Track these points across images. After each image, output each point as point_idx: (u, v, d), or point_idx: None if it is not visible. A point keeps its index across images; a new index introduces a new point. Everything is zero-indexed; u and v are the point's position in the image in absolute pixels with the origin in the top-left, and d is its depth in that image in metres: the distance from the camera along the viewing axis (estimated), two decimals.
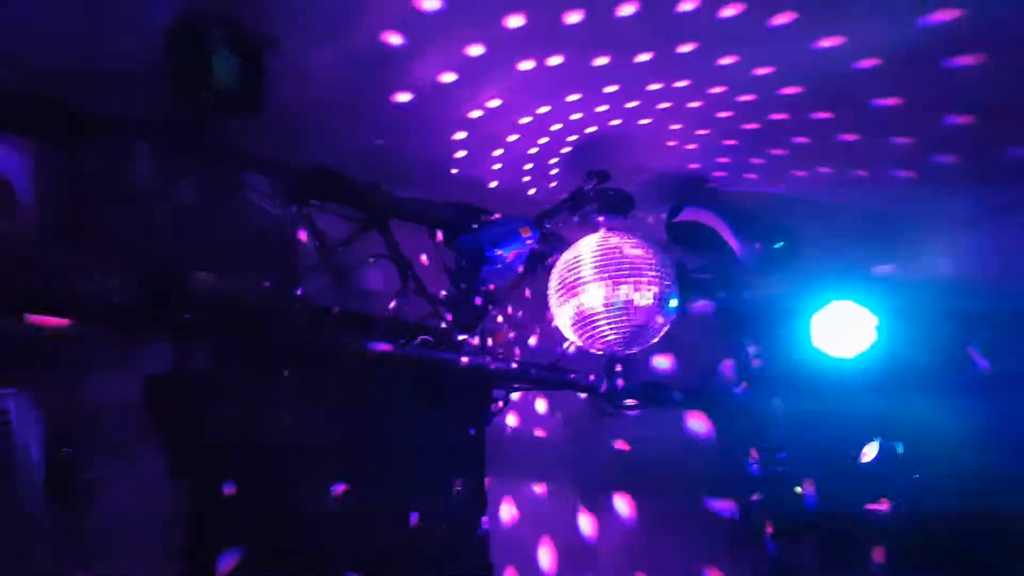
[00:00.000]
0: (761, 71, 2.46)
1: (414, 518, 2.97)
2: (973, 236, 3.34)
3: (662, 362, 3.65)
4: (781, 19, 2.22)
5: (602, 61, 2.42)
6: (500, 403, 3.18)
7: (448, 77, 2.46)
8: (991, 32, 2.25)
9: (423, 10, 2.14)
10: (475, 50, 2.35)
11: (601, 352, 2.88)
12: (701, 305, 3.73)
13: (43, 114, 2.00)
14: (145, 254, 1.88)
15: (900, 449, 3.12)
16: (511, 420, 3.48)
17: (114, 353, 2.13)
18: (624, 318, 2.74)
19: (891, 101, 2.59)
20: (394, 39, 2.27)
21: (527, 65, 2.42)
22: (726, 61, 2.41)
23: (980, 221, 3.33)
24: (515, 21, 2.22)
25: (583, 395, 3.41)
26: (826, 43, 2.31)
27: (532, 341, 3.43)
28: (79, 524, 1.99)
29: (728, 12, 2.18)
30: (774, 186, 3.24)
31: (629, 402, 3.33)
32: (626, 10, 2.18)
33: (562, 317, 2.86)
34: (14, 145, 1.87)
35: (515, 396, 3.37)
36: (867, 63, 2.39)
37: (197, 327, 2.17)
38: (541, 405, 3.57)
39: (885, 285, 3.48)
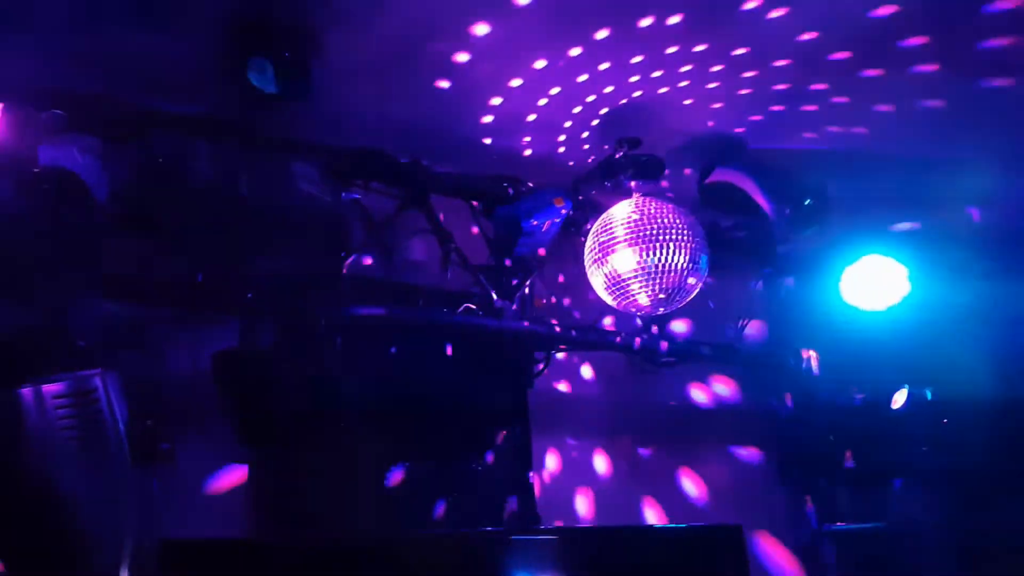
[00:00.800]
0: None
1: (464, 474, 3.17)
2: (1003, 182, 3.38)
3: (693, 321, 3.74)
4: None
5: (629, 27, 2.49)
6: (541, 364, 3.31)
7: (482, 56, 2.56)
8: None
9: None
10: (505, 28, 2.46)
11: (636, 312, 3.02)
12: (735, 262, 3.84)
13: (110, 113, 2.18)
14: (207, 242, 2.06)
15: (928, 396, 3.21)
16: (553, 380, 3.64)
17: (186, 332, 2.34)
18: (656, 280, 2.87)
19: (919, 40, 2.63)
20: (430, 22, 2.39)
21: (559, 43, 2.52)
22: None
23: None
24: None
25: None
26: None
27: (570, 304, 3.55)
28: (160, 487, 2.19)
29: None
30: (803, 142, 3.31)
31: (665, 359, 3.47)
32: None
33: (597, 280, 3.00)
34: (86, 145, 2.04)
35: (559, 356, 3.52)
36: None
37: (257, 306, 2.36)
38: (581, 367, 3.71)
39: (915, 236, 3.54)
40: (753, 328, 3.74)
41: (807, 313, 3.60)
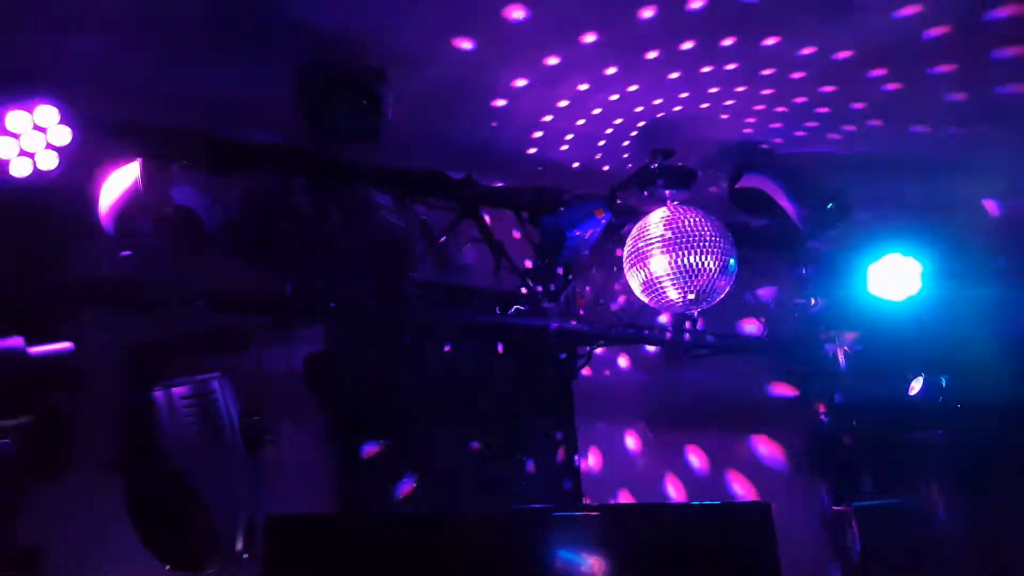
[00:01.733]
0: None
1: (517, 456, 3.52)
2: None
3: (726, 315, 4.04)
4: None
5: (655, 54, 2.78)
6: (584, 358, 3.64)
7: (528, 81, 2.87)
8: None
9: (511, 26, 2.56)
10: (552, 60, 2.78)
11: (671, 310, 3.34)
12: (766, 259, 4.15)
13: (214, 151, 2.55)
14: (301, 262, 2.42)
15: (943, 383, 3.48)
16: (596, 371, 3.97)
17: (282, 339, 2.72)
18: (688, 282, 3.18)
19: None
20: (484, 54, 2.70)
21: (602, 65, 2.81)
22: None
23: None
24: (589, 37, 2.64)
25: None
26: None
27: (610, 302, 3.87)
28: (266, 470, 2.58)
29: None
30: (828, 146, 3.58)
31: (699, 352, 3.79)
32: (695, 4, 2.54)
33: (634, 281, 3.31)
34: (200, 183, 2.41)
35: (598, 351, 3.84)
36: None
37: (338, 314, 2.73)
38: (620, 359, 4.04)
39: (934, 233, 3.81)
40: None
41: (835, 306, 3.87)
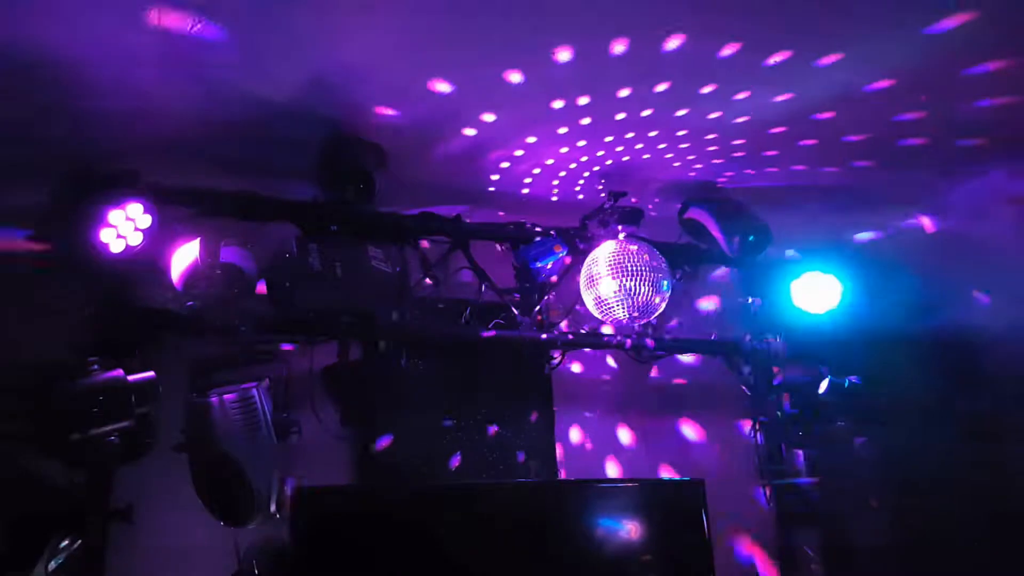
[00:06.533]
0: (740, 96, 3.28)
1: (503, 437, 4.37)
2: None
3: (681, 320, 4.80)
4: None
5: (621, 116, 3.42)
6: (555, 360, 4.45)
7: (513, 146, 3.65)
8: None
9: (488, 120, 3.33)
10: (531, 138, 3.57)
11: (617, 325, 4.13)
12: (718, 274, 4.91)
13: (246, 205, 3.44)
14: (315, 305, 3.29)
15: (847, 384, 4.21)
16: (575, 367, 4.79)
17: (304, 354, 3.61)
18: (629, 301, 3.96)
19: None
20: (469, 132, 3.48)
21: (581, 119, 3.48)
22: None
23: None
24: (558, 104, 3.28)
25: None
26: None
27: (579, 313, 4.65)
28: (292, 454, 3.46)
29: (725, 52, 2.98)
30: (766, 179, 4.29)
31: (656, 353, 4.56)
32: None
33: (588, 300, 4.10)
34: (238, 240, 3.27)
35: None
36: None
37: (348, 334, 3.62)
38: (595, 356, 4.84)
39: (852, 253, 4.51)
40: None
41: (769, 314, 4.60)
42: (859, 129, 3.63)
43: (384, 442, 4.06)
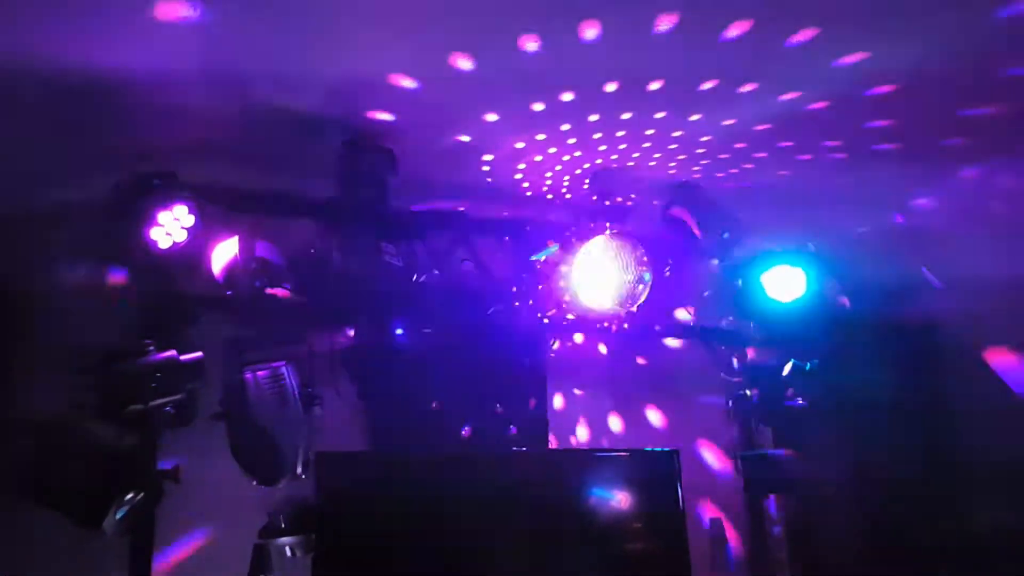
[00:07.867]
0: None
1: (501, 413, 4.86)
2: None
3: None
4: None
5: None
6: (552, 342, 4.94)
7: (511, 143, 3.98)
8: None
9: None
10: (519, 144, 3.95)
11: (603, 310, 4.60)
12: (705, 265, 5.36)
13: (272, 202, 3.90)
14: (338, 294, 3.77)
15: (807, 367, 4.68)
16: (570, 350, 5.28)
17: (326, 335, 4.10)
18: (616, 291, 4.43)
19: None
20: (464, 138, 3.89)
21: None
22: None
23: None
24: (538, 106, 3.48)
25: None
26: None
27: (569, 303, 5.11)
28: (316, 423, 3.96)
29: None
30: (746, 180, 4.73)
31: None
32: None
33: (579, 290, 4.57)
34: (270, 237, 3.74)
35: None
36: None
37: (364, 319, 4.11)
38: (587, 339, 5.32)
39: (819, 247, 4.98)
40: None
41: (744, 303, 5.06)
42: (833, 135, 4.04)
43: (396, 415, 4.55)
